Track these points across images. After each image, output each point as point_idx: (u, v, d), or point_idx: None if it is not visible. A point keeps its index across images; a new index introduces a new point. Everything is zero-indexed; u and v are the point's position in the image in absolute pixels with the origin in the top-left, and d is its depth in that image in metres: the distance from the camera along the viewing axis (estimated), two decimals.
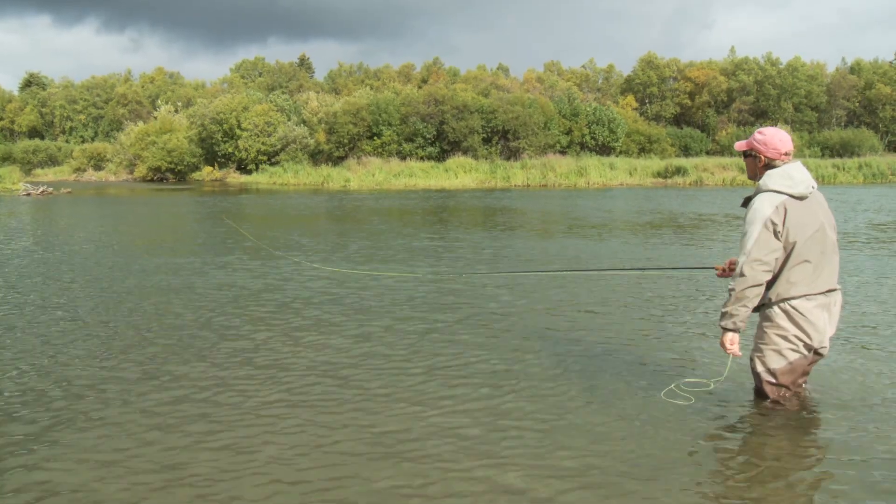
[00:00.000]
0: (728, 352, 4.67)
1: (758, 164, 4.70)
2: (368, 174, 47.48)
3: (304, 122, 59.89)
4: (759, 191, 4.57)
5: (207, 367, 5.81)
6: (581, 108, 60.22)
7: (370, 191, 39.51)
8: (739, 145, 4.86)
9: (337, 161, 54.08)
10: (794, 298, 4.53)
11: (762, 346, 4.71)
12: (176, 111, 70.94)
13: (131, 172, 63.87)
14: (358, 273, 10.30)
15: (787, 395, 4.78)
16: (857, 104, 75.84)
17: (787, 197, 4.44)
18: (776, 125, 68.32)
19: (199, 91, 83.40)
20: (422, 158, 52.86)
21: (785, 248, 4.46)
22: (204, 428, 4.47)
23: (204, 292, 9.10)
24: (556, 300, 8.51)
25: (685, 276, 10.01)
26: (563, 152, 55.40)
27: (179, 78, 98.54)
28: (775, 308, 4.60)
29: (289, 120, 59.50)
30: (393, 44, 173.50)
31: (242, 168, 58.57)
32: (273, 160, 56.67)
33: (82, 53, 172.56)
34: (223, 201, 30.41)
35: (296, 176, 51.27)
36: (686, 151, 63.34)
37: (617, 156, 56.90)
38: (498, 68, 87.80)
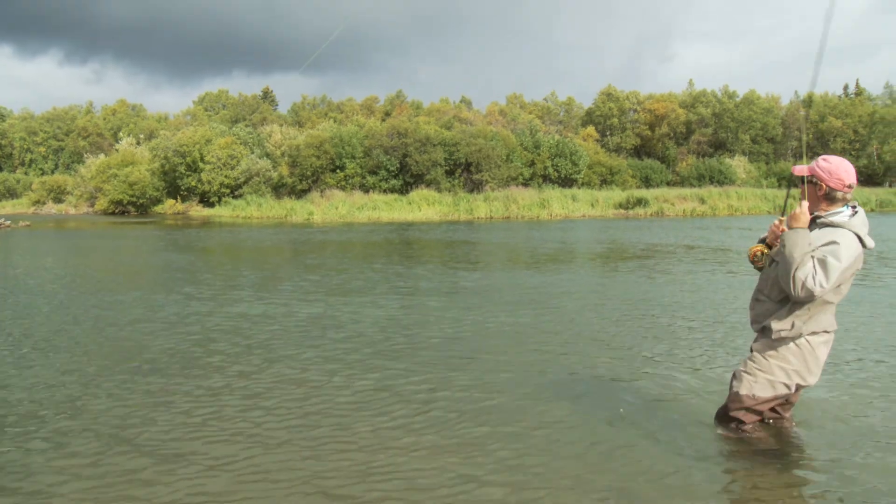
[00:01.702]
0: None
1: (818, 192, 4.55)
2: (332, 207, 47.60)
3: (267, 155, 59.90)
4: (842, 226, 4.43)
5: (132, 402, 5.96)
6: (543, 141, 60.91)
7: (334, 224, 39.61)
8: (801, 170, 4.69)
9: (300, 194, 54.15)
10: (810, 335, 4.55)
11: (757, 371, 4.70)
12: (138, 143, 70.65)
13: (92, 205, 63.39)
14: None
15: (753, 423, 4.88)
16: (810, 136, 77.58)
17: (862, 250, 4.41)
18: (734, 156, 70.28)
19: (161, 123, 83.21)
20: (385, 191, 53.08)
21: (835, 295, 4.47)
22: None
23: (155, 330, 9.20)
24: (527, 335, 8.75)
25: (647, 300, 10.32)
26: (525, 184, 55.93)
27: (142, 110, 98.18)
28: (790, 343, 4.60)
29: (252, 153, 59.47)
30: (356, 77, 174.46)
31: (205, 201, 58.36)
32: (236, 193, 56.55)
33: (44, 85, 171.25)
34: (185, 235, 30.36)
35: (259, 209, 51.22)
36: (647, 183, 64.26)
37: (579, 188, 57.61)
38: (461, 101, 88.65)
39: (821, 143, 76.91)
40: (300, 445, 5.15)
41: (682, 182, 65.02)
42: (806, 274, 4.32)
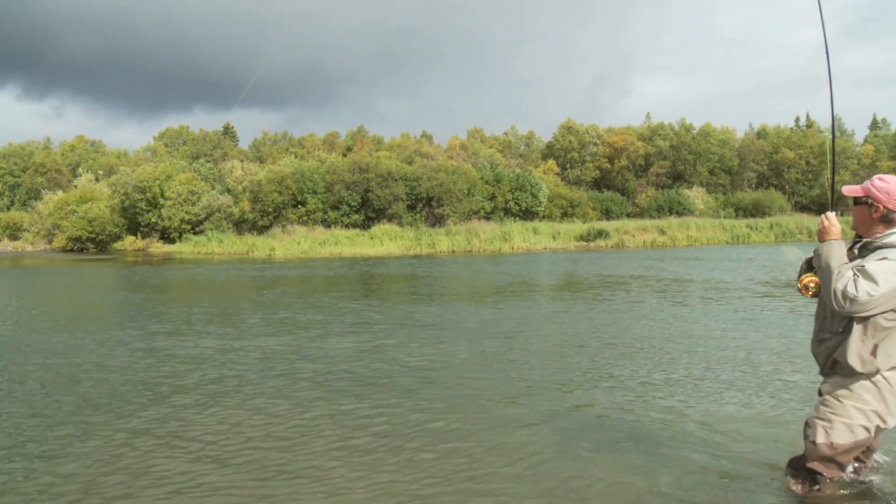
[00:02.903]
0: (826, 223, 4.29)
1: (873, 213, 4.23)
2: (294, 243, 47.57)
3: (228, 190, 59.76)
4: (894, 245, 4.13)
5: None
6: (504, 174, 61.42)
7: (296, 259, 39.58)
8: (852, 190, 4.36)
9: (262, 230, 54.07)
10: (888, 370, 4.18)
11: (832, 417, 4.29)
12: (97, 179, 70.04)
13: (49, 242, 62.61)
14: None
15: (835, 474, 4.43)
16: (765, 167, 79.24)
17: None
18: (692, 188, 71.40)
19: (121, 159, 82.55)
20: (347, 226, 53.19)
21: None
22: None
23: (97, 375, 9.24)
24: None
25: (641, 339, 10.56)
26: (487, 218, 56.35)
27: (101, 146, 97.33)
28: (864, 381, 4.22)
29: (213, 188, 59.30)
30: (317, 112, 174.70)
31: (166, 237, 57.99)
32: (197, 229, 56.31)
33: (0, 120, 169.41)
34: (144, 272, 30.19)
35: (220, 245, 51.04)
36: (607, 215, 65.00)
37: (540, 220, 58.09)
38: (422, 136, 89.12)
39: (775, 174, 78.45)
40: (255, 476, 5.27)
41: (641, 213, 65.90)
42: (846, 282, 4.03)
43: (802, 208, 74.34)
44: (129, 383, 8.68)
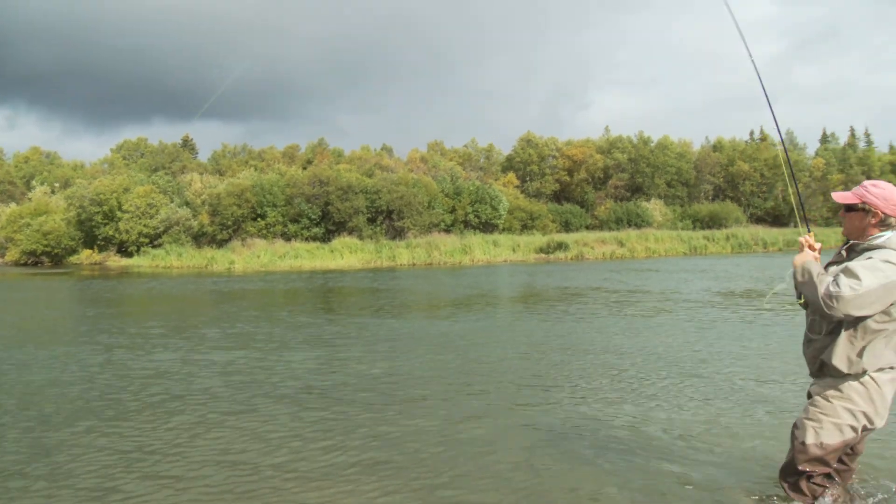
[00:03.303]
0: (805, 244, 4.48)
1: (869, 220, 4.29)
2: (253, 256, 47.30)
3: (187, 203, 59.27)
4: (884, 246, 4.19)
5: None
6: (464, 187, 61.63)
7: (255, 273, 39.41)
8: (844, 197, 4.42)
9: (221, 243, 53.68)
10: (875, 371, 4.22)
11: (822, 417, 4.33)
12: (52, 192, 69.12)
13: (2, 256, 61.52)
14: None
15: (821, 475, 4.44)
16: (721, 179, 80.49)
17: None
18: (650, 200, 72.28)
19: (77, 172, 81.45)
20: (307, 239, 52.99)
21: (888, 322, 4.15)
22: None
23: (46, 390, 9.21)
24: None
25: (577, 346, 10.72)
26: (447, 231, 56.48)
27: (57, 158, 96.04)
28: (853, 382, 4.26)
29: (171, 202, 58.81)
30: (277, 124, 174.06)
31: (123, 251, 57.32)
32: (155, 243, 55.78)
33: None
34: (101, 286, 29.89)
35: (179, 258, 50.58)
36: (567, 227, 65.45)
37: (500, 233, 58.31)
38: (382, 149, 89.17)
39: (731, 186, 79.68)
40: (212, 491, 5.33)
41: (601, 225, 66.46)
42: (826, 284, 4.10)
43: (758, 220, 75.72)
44: (83, 398, 8.67)
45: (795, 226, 72.97)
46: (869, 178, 79.95)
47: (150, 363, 11.00)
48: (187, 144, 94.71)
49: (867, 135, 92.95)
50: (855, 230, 4.40)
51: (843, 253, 4.50)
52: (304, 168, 67.69)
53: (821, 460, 4.37)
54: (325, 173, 56.84)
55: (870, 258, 4.12)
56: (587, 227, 66.24)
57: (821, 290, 4.10)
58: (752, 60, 5.66)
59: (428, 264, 45.25)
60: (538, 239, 53.75)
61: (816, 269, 4.28)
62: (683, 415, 7.41)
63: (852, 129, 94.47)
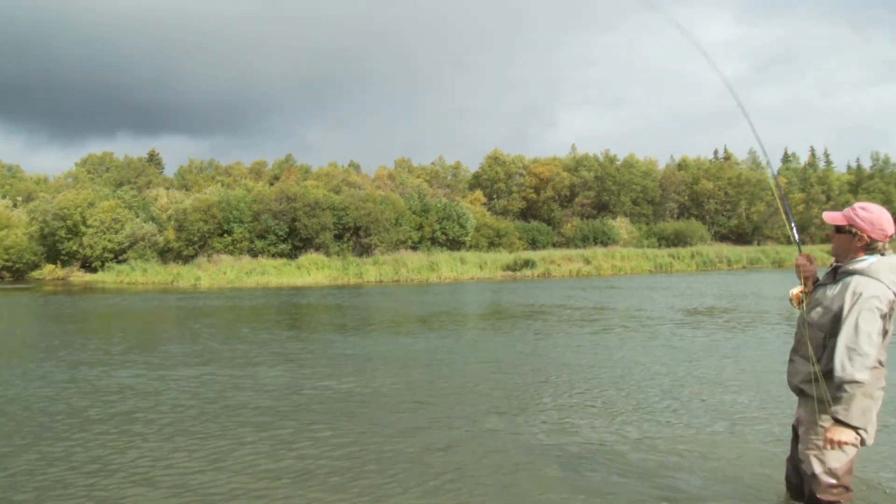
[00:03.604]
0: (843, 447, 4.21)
1: (856, 243, 4.30)
2: (220, 272, 47.03)
3: (152, 218, 58.84)
4: (863, 273, 4.20)
5: None
6: (431, 204, 61.79)
7: (222, 289, 39.21)
8: (833, 218, 4.44)
9: (187, 259, 53.30)
10: None
11: (821, 444, 4.29)
12: (14, 206, 68.27)
13: None
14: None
15: (845, 498, 4.35)
16: (686, 198, 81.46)
17: (893, 296, 4.12)
18: (616, 218, 72.93)
19: (40, 185, 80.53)
20: (274, 255, 52.73)
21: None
22: None
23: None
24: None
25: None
26: (414, 248, 56.52)
27: (19, 171, 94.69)
28: None
29: (137, 216, 58.35)
30: (244, 140, 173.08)
31: (87, 266, 56.67)
32: (120, 258, 55.26)
33: None
34: (63, 301, 29.60)
35: (144, 274, 50.16)
36: (533, 244, 65.74)
37: (467, 250, 58.45)
38: (349, 165, 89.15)
39: (695, 204, 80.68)
40: None
41: (567, 243, 66.80)
42: (840, 365, 4.09)
43: (722, 238, 76.74)
44: (45, 414, 8.66)
45: (759, 243, 74.14)
46: (829, 197, 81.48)
47: (113, 380, 10.98)
48: (153, 159, 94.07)
49: (826, 155, 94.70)
50: (842, 251, 4.42)
51: (831, 275, 4.50)
52: (272, 184, 67.50)
53: (838, 486, 4.32)
54: (293, 189, 56.75)
55: (846, 298, 4.15)
56: (554, 245, 66.58)
57: (837, 373, 4.09)
58: (739, 98, 5.74)
59: (395, 281, 45.27)
60: (505, 256, 53.96)
61: (862, 400, 4.09)
62: (650, 430, 7.56)
63: (812, 150, 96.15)
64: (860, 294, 4.07)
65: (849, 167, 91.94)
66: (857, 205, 4.38)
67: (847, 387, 4.03)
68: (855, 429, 4.08)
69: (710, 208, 79.64)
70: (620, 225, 70.64)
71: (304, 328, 18.82)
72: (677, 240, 68.10)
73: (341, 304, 26.65)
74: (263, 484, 6.07)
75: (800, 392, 4.44)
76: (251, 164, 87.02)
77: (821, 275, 4.74)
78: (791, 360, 4.54)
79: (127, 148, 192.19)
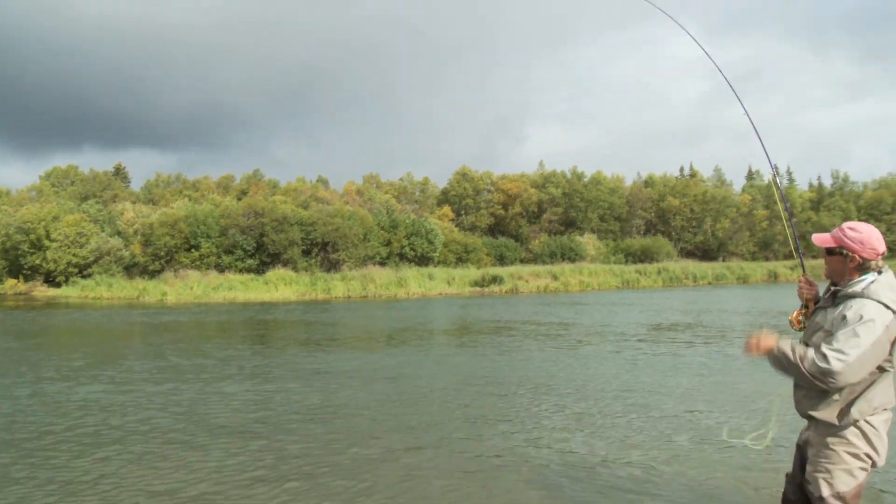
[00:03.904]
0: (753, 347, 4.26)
1: (849, 263, 4.21)
2: (186, 287, 46.70)
3: (118, 233, 58.38)
4: (862, 295, 4.08)
5: None
6: (400, 220, 61.87)
7: (188, 305, 38.94)
8: (823, 240, 4.35)
9: (153, 274, 52.87)
10: (870, 416, 4.12)
11: (830, 467, 4.18)
12: None
13: None
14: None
15: None
16: (652, 214, 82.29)
17: (893, 315, 4.01)
18: (584, 234, 73.43)
19: (3, 199, 79.61)
20: (241, 271, 52.48)
21: (880, 371, 4.08)
22: None
23: None
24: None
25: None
26: (382, 263, 56.52)
27: None
28: (851, 427, 4.13)
29: (102, 231, 57.85)
30: (212, 154, 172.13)
31: (51, 281, 56.04)
32: (85, 273, 54.71)
33: None
34: (25, 317, 29.24)
35: (109, 289, 49.68)
36: (501, 260, 65.96)
37: (435, 266, 58.54)
38: (318, 180, 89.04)
39: (662, 221, 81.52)
40: None
41: (535, 259, 67.13)
42: (812, 358, 4.02)
43: (688, 254, 77.58)
44: (7, 430, 8.60)
45: (724, 260, 75.04)
46: (792, 214, 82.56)
47: (76, 396, 10.91)
48: (119, 173, 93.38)
49: (789, 172, 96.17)
50: (836, 273, 4.33)
51: (829, 300, 4.36)
52: (239, 199, 67.24)
53: None
54: (261, 204, 56.60)
55: (845, 316, 4.04)
56: (521, 261, 66.92)
57: (806, 367, 4.02)
58: (747, 114, 5.74)
59: (363, 297, 45.22)
60: (473, 272, 54.07)
61: (788, 348, 4.14)
62: (619, 444, 7.65)
63: (776, 167, 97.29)
64: (861, 316, 3.98)
65: (810, 185, 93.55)
66: (845, 225, 4.31)
67: (817, 365, 3.99)
68: (772, 353, 4.16)
69: (676, 225, 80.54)
70: (588, 241, 71.12)
71: (270, 344, 18.78)
72: (644, 256, 68.71)
73: (309, 320, 26.59)
74: (232, 496, 6.08)
75: (809, 417, 4.33)
76: (219, 179, 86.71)
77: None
78: (797, 386, 4.39)
79: (93, 161, 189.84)
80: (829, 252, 4.30)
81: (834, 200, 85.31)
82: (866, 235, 4.17)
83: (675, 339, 18.09)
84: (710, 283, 56.38)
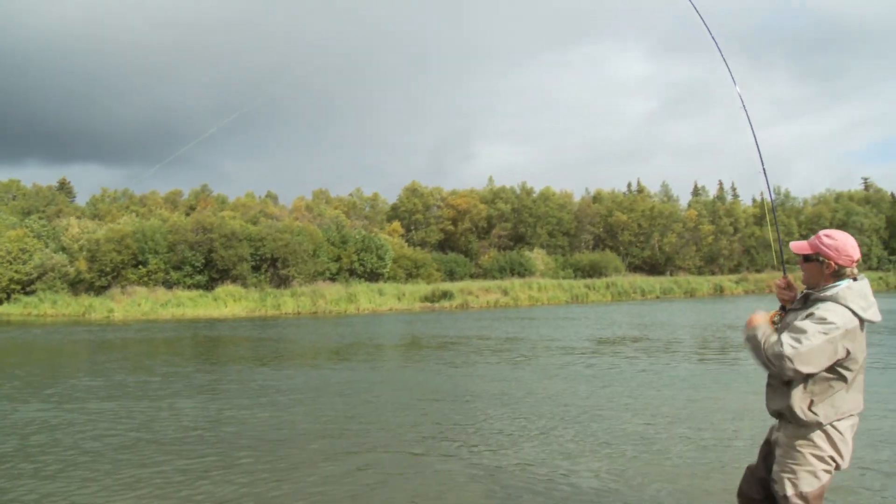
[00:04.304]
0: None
1: (825, 270, 4.35)
2: (134, 304, 46.08)
3: (63, 249, 57.33)
4: (832, 299, 4.25)
5: None
6: (349, 236, 61.78)
7: (136, 321, 38.47)
8: (800, 247, 4.50)
9: (99, 290, 51.92)
10: (836, 420, 4.27)
11: (795, 467, 4.33)
12: None
13: None
14: None
15: None
16: (601, 229, 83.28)
17: (858, 322, 4.19)
18: (533, 249, 73.98)
19: None
20: (190, 287, 51.81)
21: (840, 376, 4.23)
22: None
23: None
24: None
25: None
26: (332, 279, 56.31)
27: None
28: (818, 430, 4.29)
29: (46, 247, 56.81)
30: (160, 169, 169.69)
31: None
32: (28, 289, 53.58)
33: None
34: None
35: (54, 306, 48.77)
36: (451, 276, 66.07)
37: (385, 281, 58.51)
38: (267, 196, 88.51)
39: (610, 236, 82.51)
40: None
41: (485, 274, 67.36)
42: (772, 344, 4.21)
43: (636, 269, 78.64)
44: None
45: (671, 274, 76.19)
46: (736, 229, 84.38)
47: (18, 416, 10.79)
48: (64, 188, 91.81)
49: (733, 188, 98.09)
50: (812, 279, 4.45)
51: (803, 300, 4.51)
52: (188, 214, 66.57)
53: None
54: (209, 220, 56.08)
55: (811, 314, 4.21)
56: (471, 276, 67.09)
57: (765, 349, 4.23)
58: (756, 141, 5.80)
59: (313, 313, 45.07)
60: (423, 288, 54.18)
61: (763, 329, 4.36)
62: (568, 457, 7.80)
63: (720, 183, 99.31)
64: (824, 318, 4.14)
65: (754, 200, 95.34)
66: (822, 233, 4.44)
67: (773, 348, 4.18)
68: (749, 332, 4.36)
69: (624, 240, 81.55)
70: (537, 256, 71.61)
71: (220, 361, 18.68)
72: (593, 271, 69.44)
73: (258, 336, 26.48)
74: None
75: (779, 415, 4.49)
76: (166, 194, 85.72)
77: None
78: (769, 385, 4.55)
79: (36, 176, 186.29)
80: (806, 259, 4.44)
81: (776, 216, 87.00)
82: (841, 243, 4.31)
83: (620, 352, 18.39)
84: (657, 297, 57.24)
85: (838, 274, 4.31)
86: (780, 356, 4.12)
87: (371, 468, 7.51)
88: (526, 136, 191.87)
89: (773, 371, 4.25)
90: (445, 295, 51.03)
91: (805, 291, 4.51)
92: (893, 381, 12.72)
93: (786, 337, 4.15)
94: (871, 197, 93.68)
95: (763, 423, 8.34)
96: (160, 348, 22.70)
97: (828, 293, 4.27)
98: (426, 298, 51.17)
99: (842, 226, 76.99)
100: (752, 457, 4.78)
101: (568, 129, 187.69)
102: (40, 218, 66.51)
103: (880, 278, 71.22)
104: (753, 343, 4.34)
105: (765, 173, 5.89)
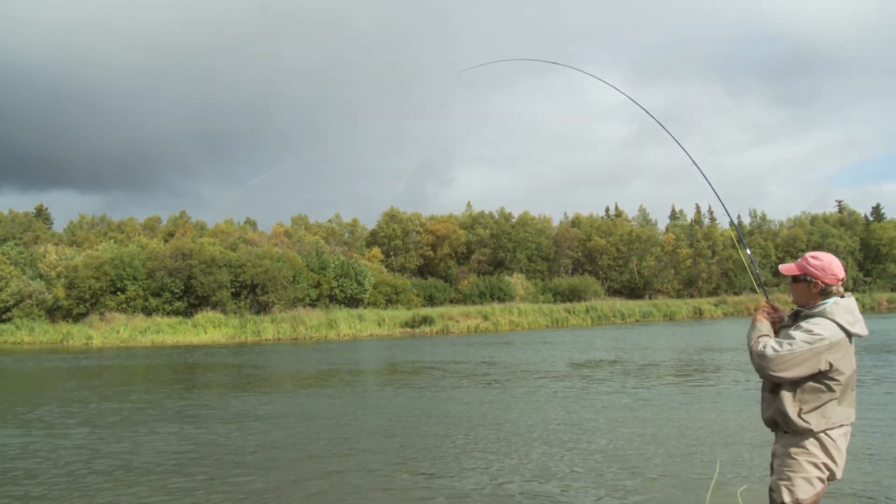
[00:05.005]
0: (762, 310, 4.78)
1: (813, 290, 4.59)
2: (112, 331, 45.83)
3: (40, 276, 57.01)
4: (821, 314, 4.47)
5: None
6: (329, 261, 61.78)
7: (115, 348, 38.27)
8: (789, 269, 4.73)
9: (78, 317, 51.63)
10: (829, 429, 4.42)
11: (791, 475, 4.48)
12: None
13: None
14: None
15: None
16: (580, 254, 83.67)
17: (844, 336, 4.40)
18: (512, 274, 74.20)
19: None
20: (169, 314, 51.62)
21: (829, 387, 4.38)
22: None
23: None
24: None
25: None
26: (312, 305, 56.26)
27: None
28: (812, 438, 4.44)
29: (23, 273, 56.48)
30: (138, 195, 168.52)
31: None
32: (4, 317, 53.21)
33: None
34: None
35: (31, 334, 48.41)
36: (431, 301, 66.11)
37: (365, 307, 58.51)
38: (246, 222, 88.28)
39: (589, 260, 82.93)
40: None
41: (464, 299, 67.43)
42: (758, 343, 4.45)
43: (615, 292, 79.02)
44: None
45: (650, 297, 76.62)
46: (714, 252, 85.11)
47: None
48: (41, 214, 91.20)
49: (711, 212, 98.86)
50: (802, 299, 4.67)
51: (793, 317, 4.73)
52: (166, 241, 66.34)
53: None
54: (188, 246, 55.97)
55: (799, 326, 4.42)
56: (451, 301, 67.16)
57: (751, 345, 4.50)
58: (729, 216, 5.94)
59: (293, 339, 44.99)
60: (403, 313, 54.20)
61: (759, 329, 4.63)
62: (548, 478, 7.94)
63: (698, 207, 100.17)
64: (810, 330, 4.35)
65: (731, 223, 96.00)
66: (808, 254, 4.68)
67: (759, 349, 4.43)
68: (752, 325, 4.65)
69: (603, 264, 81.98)
70: (517, 281, 71.81)
71: (199, 387, 18.71)
72: (572, 295, 69.70)
73: (238, 363, 26.47)
74: None
75: (773, 424, 4.65)
76: (145, 220, 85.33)
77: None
78: (762, 396, 4.74)
79: (12, 202, 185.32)
80: (795, 280, 4.68)
81: (753, 238, 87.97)
82: (827, 263, 4.56)
83: (601, 375, 18.56)
84: (637, 321, 57.52)
85: (826, 292, 4.54)
86: (762, 356, 4.36)
87: (346, 489, 7.62)
88: (504, 162, 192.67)
89: (756, 369, 4.45)
90: (426, 320, 51.03)
91: (795, 310, 4.76)
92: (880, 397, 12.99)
93: (771, 340, 4.40)
94: (844, 219, 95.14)
95: (735, 441, 8.58)
96: (139, 375, 22.67)
97: (816, 310, 4.50)
98: (406, 324, 51.17)
99: (818, 248, 77.83)
100: (715, 473, 4.96)
101: (546, 155, 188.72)
102: (17, 244, 66.06)
103: (857, 299, 71.77)
104: (748, 337, 4.59)
105: (727, 211, 6.11)
